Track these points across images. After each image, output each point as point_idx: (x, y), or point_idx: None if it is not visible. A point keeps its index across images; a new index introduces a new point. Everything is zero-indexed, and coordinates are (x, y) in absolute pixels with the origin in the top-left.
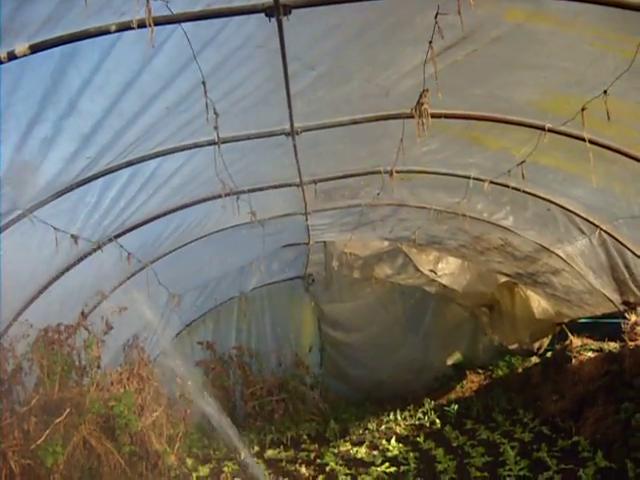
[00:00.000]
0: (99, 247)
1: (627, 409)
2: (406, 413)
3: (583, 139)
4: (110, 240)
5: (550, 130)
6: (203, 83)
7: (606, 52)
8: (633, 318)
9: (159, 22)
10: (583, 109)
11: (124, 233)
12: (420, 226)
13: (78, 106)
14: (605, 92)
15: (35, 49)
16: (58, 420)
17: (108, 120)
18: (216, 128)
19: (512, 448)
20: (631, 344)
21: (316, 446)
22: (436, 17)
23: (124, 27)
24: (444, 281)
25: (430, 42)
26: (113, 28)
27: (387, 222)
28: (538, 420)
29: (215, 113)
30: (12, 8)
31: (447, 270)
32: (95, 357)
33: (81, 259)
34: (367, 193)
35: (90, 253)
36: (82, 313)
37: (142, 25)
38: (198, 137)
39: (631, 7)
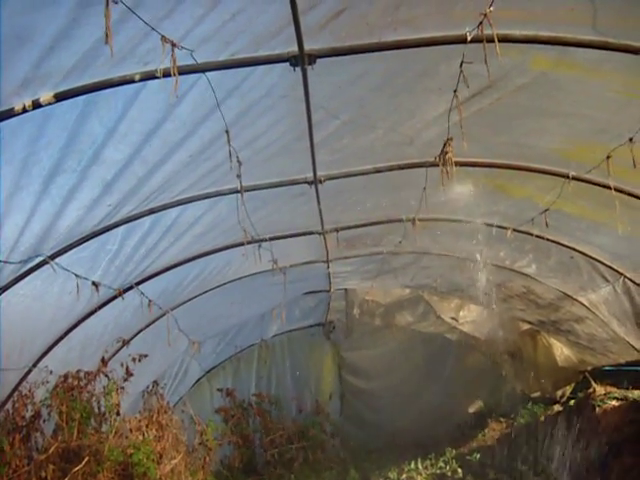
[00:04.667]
0: (120, 294)
1: None
2: (427, 462)
3: (608, 187)
4: (131, 287)
5: (574, 178)
6: (226, 132)
7: (631, 100)
8: None
9: (183, 71)
10: (608, 157)
11: (145, 280)
12: (442, 274)
13: (101, 154)
14: (631, 140)
15: (60, 97)
16: (76, 468)
17: (130, 168)
18: (239, 176)
19: None
20: None
21: None
22: (461, 66)
23: (148, 76)
24: (466, 329)
25: (455, 91)
26: (137, 77)
27: (409, 270)
28: (561, 470)
29: (238, 161)
30: (38, 57)
31: (469, 317)
32: (114, 404)
33: (102, 306)
34: (389, 241)
35: (111, 300)
36: (102, 359)
37: (167, 74)
38: (220, 185)
39: None
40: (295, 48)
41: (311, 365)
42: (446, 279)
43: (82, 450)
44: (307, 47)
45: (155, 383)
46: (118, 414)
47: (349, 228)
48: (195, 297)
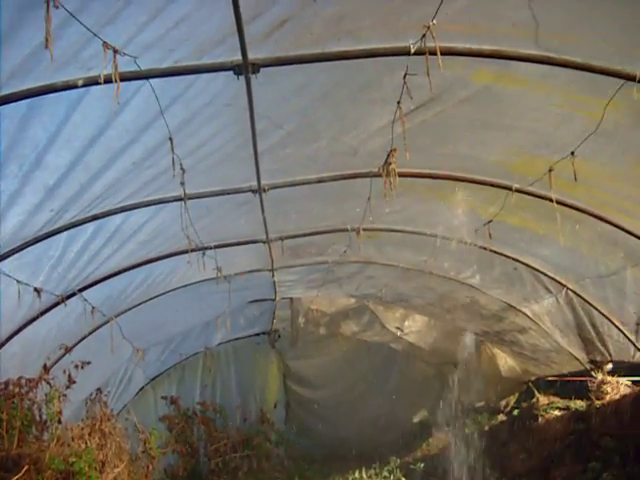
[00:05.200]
0: (63, 300)
1: (594, 469)
2: (371, 471)
3: (550, 199)
4: (74, 294)
5: (517, 190)
6: (170, 139)
7: (574, 114)
8: (600, 377)
9: (127, 78)
10: (550, 170)
11: (89, 287)
12: (387, 284)
13: (43, 159)
14: (572, 153)
15: (2, 101)
16: (15, 478)
17: (73, 174)
18: (183, 184)
19: None
20: (598, 403)
21: None
22: (405, 78)
23: (91, 82)
24: (410, 338)
25: (399, 102)
26: (80, 83)
27: (354, 279)
28: (505, 479)
29: (182, 169)
30: None
31: (414, 327)
32: (56, 412)
33: (44, 312)
34: (334, 250)
35: (53, 306)
36: (44, 366)
37: (109, 80)
38: (164, 193)
39: (597, 71)
40: (239, 57)
41: (256, 374)
42: (391, 289)
43: (22, 459)
44: (251, 56)
45: (98, 390)
46: (60, 422)
47: (294, 237)
48: (139, 304)
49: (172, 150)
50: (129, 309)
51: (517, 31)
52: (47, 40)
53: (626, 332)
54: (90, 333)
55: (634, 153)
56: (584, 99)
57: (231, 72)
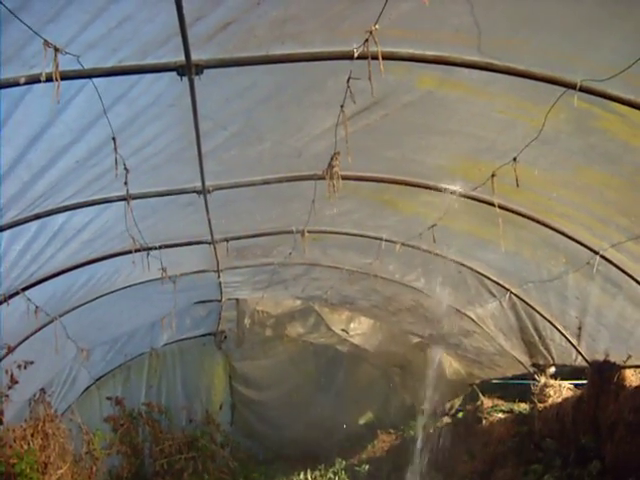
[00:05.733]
0: (5, 300)
1: (536, 471)
2: (317, 472)
3: (493, 204)
4: (17, 293)
5: (461, 195)
6: (113, 139)
7: (516, 120)
8: (542, 380)
9: (69, 76)
10: (493, 175)
11: (32, 286)
12: (332, 286)
13: None
14: (515, 159)
15: None
16: None
17: (15, 172)
18: (126, 184)
19: None
20: (540, 406)
21: None
22: (348, 82)
23: (33, 80)
24: (356, 341)
25: (342, 106)
26: (22, 80)
27: (299, 281)
28: None
29: (125, 169)
30: None
31: (359, 330)
32: None
33: None
34: (279, 252)
35: None
36: None
37: (50, 79)
38: (108, 192)
39: (538, 78)
40: (182, 58)
41: (202, 375)
42: (336, 291)
43: None
44: (194, 57)
45: (42, 391)
46: (1, 423)
47: (239, 238)
48: (84, 304)
49: (115, 150)
50: (73, 309)
51: (460, 37)
52: None
53: (568, 336)
54: (33, 333)
55: (575, 160)
56: (526, 106)
57: (174, 73)
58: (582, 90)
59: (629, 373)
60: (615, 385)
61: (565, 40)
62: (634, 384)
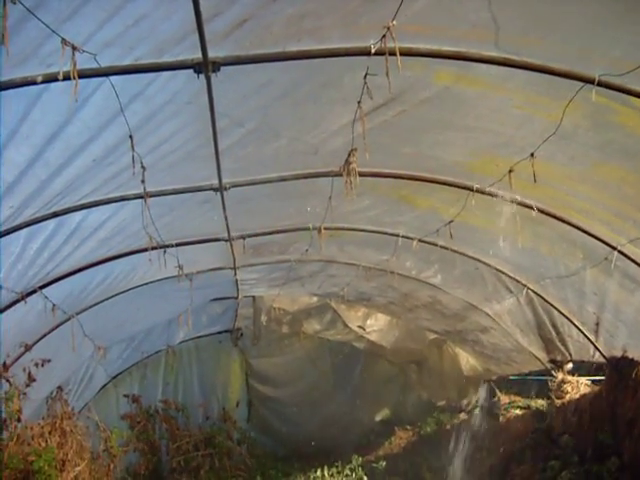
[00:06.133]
0: (23, 298)
1: (553, 467)
2: (333, 469)
3: (512, 201)
4: (34, 291)
5: (478, 191)
6: (130, 137)
7: (533, 116)
8: (560, 376)
9: (86, 75)
10: (510, 171)
11: (49, 284)
12: (349, 282)
13: (2, 155)
14: (532, 155)
15: None
16: None
17: (33, 170)
18: (143, 182)
19: None
20: (558, 402)
21: None
22: (365, 77)
23: (51, 79)
24: (372, 337)
25: (359, 102)
26: (39, 79)
27: (316, 278)
28: (465, 477)
29: (142, 167)
30: None
31: (376, 326)
32: (15, 410)
33: (4, 309)
34: (296, 249)
35: (13, 304)
36: (3, 364)
37: (68, 77)
38: (125, 190)
39: (556, 73)
40: (199, 55)
41: (218, 372)
42: (353, 288)
43: None
44: (211, 55)
45: (59, 389)
46: (19, 420)
47: (255, 235)
48: (101, 302)
49: (132, 148)
50: (90, 307)
51: (477, 33)
52: (3, 36)
53: (586, 332)
54: (51, 331)
55: (593, 155)
56: (544, 101)
57: (191, 70)
58: (600, 85)
59: None
60: (633, 381)
61: (583, 35)
62: None
